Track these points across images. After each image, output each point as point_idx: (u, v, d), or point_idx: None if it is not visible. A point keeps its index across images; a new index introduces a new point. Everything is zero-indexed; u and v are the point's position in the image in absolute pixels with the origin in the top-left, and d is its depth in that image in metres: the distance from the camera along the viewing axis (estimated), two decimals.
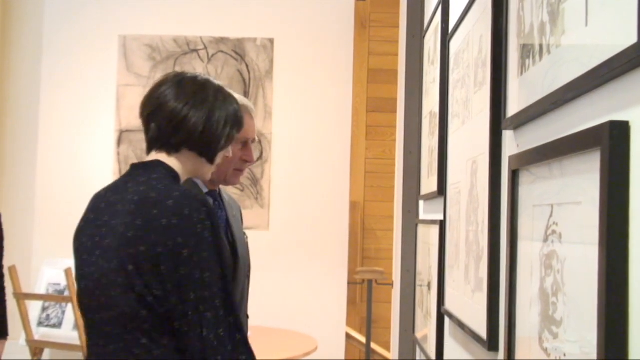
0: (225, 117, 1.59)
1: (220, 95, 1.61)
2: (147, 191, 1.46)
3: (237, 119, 1.63)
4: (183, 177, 1.58)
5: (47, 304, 3.99)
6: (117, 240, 1.43)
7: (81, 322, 1.68)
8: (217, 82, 1.65)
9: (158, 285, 1.40)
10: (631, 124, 0.80)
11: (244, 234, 2.10)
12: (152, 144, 1.58)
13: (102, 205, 1.54)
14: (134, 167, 1.57)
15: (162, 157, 1.56)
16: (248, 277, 2.08)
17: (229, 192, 2.23)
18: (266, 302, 4.05)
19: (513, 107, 1.29)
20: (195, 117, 1.55)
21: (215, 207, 2.00)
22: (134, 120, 4.11)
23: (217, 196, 2.03)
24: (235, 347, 1.42)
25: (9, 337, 3.42)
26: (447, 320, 2.02)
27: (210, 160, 1.61)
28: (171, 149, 1.55)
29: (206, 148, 1.58)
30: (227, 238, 1.99)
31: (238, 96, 2.01)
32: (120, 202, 1.49)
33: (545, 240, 1.06)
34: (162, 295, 1.40)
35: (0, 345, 3.30)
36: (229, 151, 1.66)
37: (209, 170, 1.64)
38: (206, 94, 1.58)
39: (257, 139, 2.03)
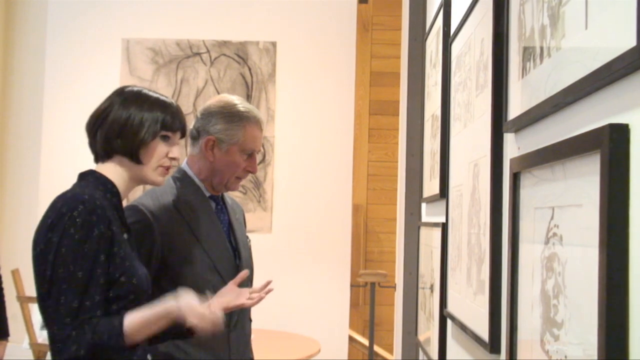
0: (141, 116, 1.62)
1: (140, 99, 1.64)
2: (57, 197, 1.54)
3: (157, 120, 1.63)
4: (122, 183, 1.63)
5: None
6: (32, 245, 1.53)
7: None
8: (148, 91, 1.68)
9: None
10: (631, 127, 0.80)
11: (247, 237, 2.11)
12: (94, 156, 1.66)
13: None
14: (77, 177, 1.64)
15: (99, 166, 1.63)
16: (251, 280, 2.08)
17: (232, 195, 2.24)
18: (269, 304, 4.04)
19: (514, 110, 1.30)
20: (112, 116, 1.61)
21: (218, 211, 2.01)
22: None
23: (220, 200, 2.03)
24: (85, 346, 1.44)
25: (13, 341, 3.43)
26: (449, 322, 2.02)
27: (137, 161, 1.62)
28: (104, 157, 1.63)
29: (126, 146, 1.61)
30: (230, 242, 1.99)
31: (249, 107, 2.00)
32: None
33: (547, 242, 1.06)
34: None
35: (1, 347, 3.30)
36: (155, 150, 1.64)
37: (147, 171, 1.65)
38: (126, 97, 1.63)
39: (261, 149, 2.05)
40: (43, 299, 1.49)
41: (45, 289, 1.47)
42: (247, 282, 2.03)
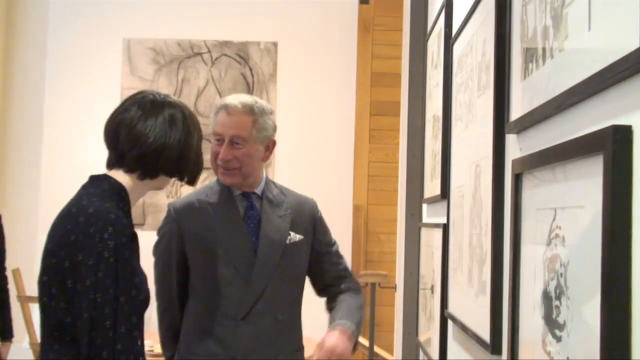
0: (196, 140, 1.66)
1: (188, 127, 1.64)
2: (72, 205, 1.53)
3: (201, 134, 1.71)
4: (138, 192, 1.63)
5: None
6: (43, 252, 1.52)
7: None
8: (188, 114, 1.68)
9: (63, 297, 1.47)
10: (634, 128, 0.80)
11: (289, 234, 2.06)
12: (113, 164, 1.61)
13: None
14: (89, 179, 1.61)
15: (116, 173, 1.59)
16: (277, 278, 2.04)
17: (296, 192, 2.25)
18: None
19: (516, 111, 1.30)
20: (160, 142, 1.58)
21: (247, 208, 2.05)
22: None
23: (252, 197, 2.07)
24: None
25: (13, 340, 3.43)
26: (450, 323, 2.02)
27: (170, 175, 1.66)
28: (128, 170, 1.59)
29: (170, 171, 1.63)
30: (257, 237, 2.01)
31: (230, 97, 2.09)
32: (60, 214, 1.56)
33: (549, 243, 1.06)
34: (66, 308, 1.47)
35: (5, 347, 3.31)
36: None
37: (166, 182, 1.69)
38: (176, 126, 1.61)
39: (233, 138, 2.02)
40: (79, 318, 1.44)
41: (90, 314, 1.42)
42: (264, 280, 2.00)
